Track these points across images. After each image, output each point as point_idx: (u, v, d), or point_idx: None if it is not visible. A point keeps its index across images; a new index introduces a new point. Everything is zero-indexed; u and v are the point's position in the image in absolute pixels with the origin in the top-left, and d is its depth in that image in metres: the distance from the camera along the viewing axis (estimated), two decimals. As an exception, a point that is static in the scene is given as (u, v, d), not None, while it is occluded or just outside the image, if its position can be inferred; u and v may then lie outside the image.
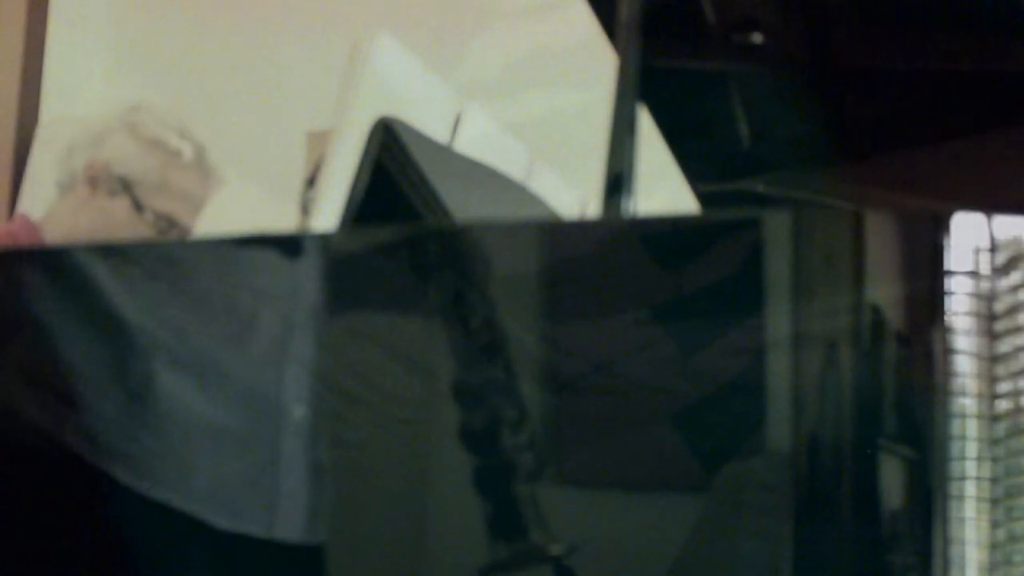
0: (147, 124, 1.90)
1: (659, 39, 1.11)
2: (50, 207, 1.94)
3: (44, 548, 0.83)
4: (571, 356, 0.76)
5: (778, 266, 0.73)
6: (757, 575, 0.72)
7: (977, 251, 0.71)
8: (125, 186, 1.87)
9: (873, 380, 0.71)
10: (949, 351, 0.70)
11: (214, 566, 0.81)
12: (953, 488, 0.70)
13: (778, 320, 0.72)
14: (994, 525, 0.70)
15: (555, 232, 0.82)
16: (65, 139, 1.95)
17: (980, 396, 0.70)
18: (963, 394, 0.70)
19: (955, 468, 0.70)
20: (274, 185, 2.85)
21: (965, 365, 0.70)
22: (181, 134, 1.91)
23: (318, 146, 2.76)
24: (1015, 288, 0.72)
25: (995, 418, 0.70)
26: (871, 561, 0.70)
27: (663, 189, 1.52)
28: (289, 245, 0.82)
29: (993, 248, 0.71)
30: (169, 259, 0.85)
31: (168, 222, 1.88)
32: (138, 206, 1.87)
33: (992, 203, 0.75)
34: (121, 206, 1.88)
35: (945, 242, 0.71)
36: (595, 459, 0.75)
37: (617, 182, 1.02)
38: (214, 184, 1.95)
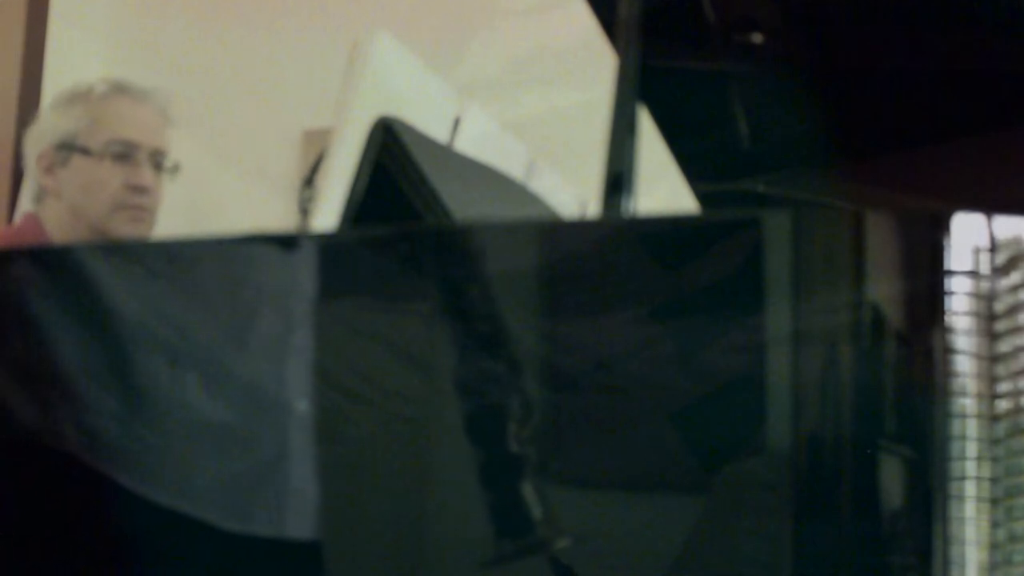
0: (60, 93, 1.94)
1: (659, 39, 1.11)
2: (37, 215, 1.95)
3: (45, 551, 0.83)
4: (571, 355, 0.76)
5: (778, 266, 0.73)
6: (757, 575, 0.72)
7: (977, 251, 0.71)
8: (67, 147, 1.89)
9: (873, 380, 0.71)
10: (949, 351, 0.70)
11: (216, 566, 0.81)
12: (953, 488, 0.70)
13: (778, 320, 0.72)
14: (994, 525, 0.70)
15: (555, 232, 0.82)
16: (24, 167, 2.00)
17: (980, 396, 0.70)
18: (963, 394, 0.70)
19: (955, 468, 0.70)
20: (269, 182, 2.85)
21: (965, 365, 0.70)
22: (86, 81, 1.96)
23: (314, 145, 2.76)
24: (1015, 288, 0.72)
25: (995, 418, 0.71)
26: (871, 561, 0.70)
27: (663, 189, 1.52)
28: (290, 244, 0.82)
29: (993, 248, 0.71)
30: (172, 257, 0.85)
31: (122, 145, 1.89)
32: (85, 151, 1.88)
33: (992, 203, 0.75)
34: (78, 164, 1.89)
35: (945, 242, 0.71)
36: (595, 458, 0.75)
37: (617, 182, 1.02)
38: (159, 103, 1.95)
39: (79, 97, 1.92)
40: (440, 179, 1.07)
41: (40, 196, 1.93)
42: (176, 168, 1.94)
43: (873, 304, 0.72)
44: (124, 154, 1.88)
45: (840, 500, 0.71)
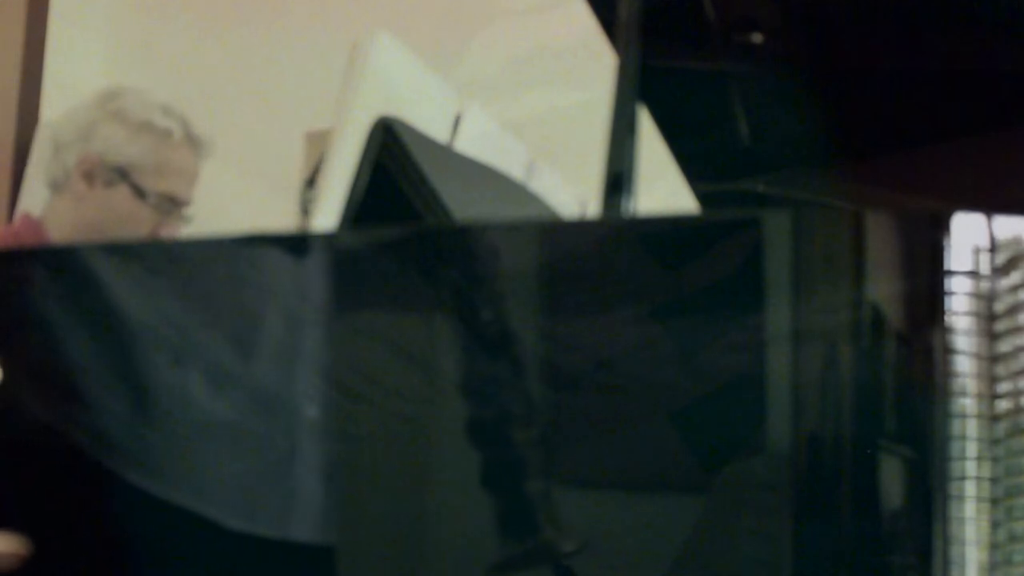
0: (132, 109, 1.90)
1: (659, 39, 1.11)
2: (45, 207, 1.94)
3: (51, 548, 0.83)
4: (571, 355, 0.76)
5: (778, 266, 0.73)
6: (757, 575, 0.72)
7: (977, 251, 0.71)
8: (123, 174, 1.87)
9: (873, 380, 0.71)
10: (949, 351, 0.70)
11: (222, 565, 0.81)
12: (953, 488, 0.70)
13: (778, 320, 0.72)
14: (994, 525, 0.70)
15: (555, 232, 0.82)
16: (50, 137, 1.95)
17: (980, 396, 0.70)
18: (963, 394, 0.70)
19: (955, 468, 0.70)
20: (273, 185, 2.85)
21: (965, 365, 0.70)
22: (165, 112, 1.91)
23: (317, 146, 2.76)
24: (1015, 288, 0.72)
25: (995, 418, 0.71)
26: (871, 561, 0.70)
27: (663, 189, 1.52)
28: (292, 244, 0.82)
29: (993, 248, 0.71)
30: (175, 258, 0.85)
31: (170, 202, 1.88)
32: (139, 191, 1.87)
33: (992, 203, 0.75)
34: (121, 195, 1.87)
35: (945, 242, 0.71)
36: (595, 458, 0.75)
37: (617, 182, 1.02)
38: (204, 154, 1.95)
39: (154, 133, 1.88)
40: (440, 179, 1.07)
41: (59, 186, 1.91)
42: (190, 218, 1.94)
43: (873, 304, 0.72)
44: (169, 210, 1.88)
45: (840, 500, 0.71)
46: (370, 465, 0.79)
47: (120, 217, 1.87)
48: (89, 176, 1.88)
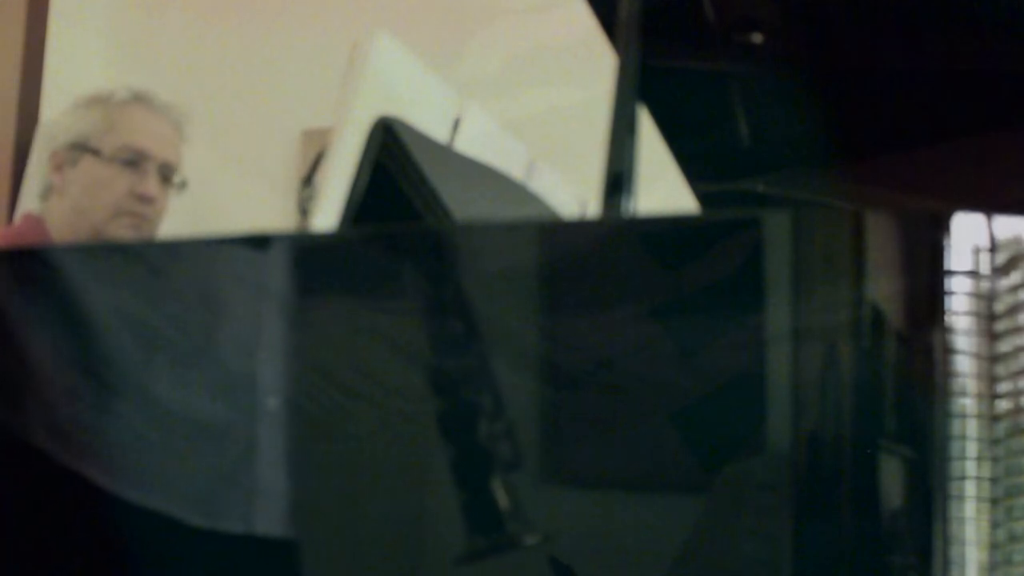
0: (81, 94, 1.97)
1: (659, 39, 1.11)
2: (41, 212, 1.96)
3: (13, 549, 0.83)
4: (571, 355, 0.76)
5: (778, 266, 0.73)
6: (757, 575, 0.72)
7: (977, 251, 0.71)
8: (79, 147, 1.90)
9: (873, 380, 0.71)
10: (949, 351, 0.70)
11: (191, 564, 0.81)
12: (953, 488, 0.70)
13: (778, 320, 0.72)
14: (994, 525, 0.70)
15: (555, 231, 0.82)
16: (33, 162, 2.02)
17: (980, 396, 0.70)
18: (963, 394, 0.70)
19: (955, 468, 0.70)
20: (268, 181, 2.85)
21: (965, 365, 0.70)
22: (108, 85, 1.97)
23: (313, 144, 2.77)
24: (1015, 288, 0.72)
25: (995, 418, 0.70)
26: (871, 561, 0.70)
27: (663, 189, 1.52)
28: (290, 244, 0.82)
29: (993, 248, 0.71)
30: (167, 257, 0.85)
31: (132, 152, 1.90)
32: (96, 152, 1.90)
33: (992, 203, 0.75)
34: (86, 165, 1.91)
35: (945, 242, 0.71)
36: (595, 458, 0.75)
37: (617, 181, 1.02)
38: (175, 118, 1.97)
39: (99, 101, 1.94)
40: (440, 179, 1.07)
41: (47, 194, 1.95)
42: (184, 184, 1.95)
43: (873, 304, 0.72)
44: (133, 162, 1.90)
45: (840, 500, 0.71)
46: (369, 462, 0.79)
47: (91, 186, 1.90)
48: (59, 167, 1.92)
